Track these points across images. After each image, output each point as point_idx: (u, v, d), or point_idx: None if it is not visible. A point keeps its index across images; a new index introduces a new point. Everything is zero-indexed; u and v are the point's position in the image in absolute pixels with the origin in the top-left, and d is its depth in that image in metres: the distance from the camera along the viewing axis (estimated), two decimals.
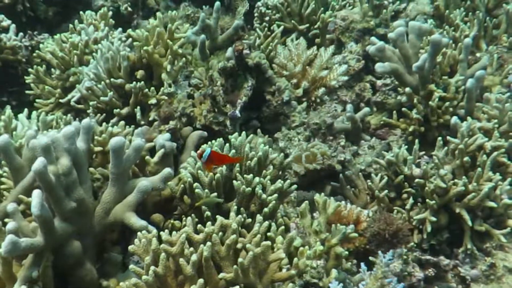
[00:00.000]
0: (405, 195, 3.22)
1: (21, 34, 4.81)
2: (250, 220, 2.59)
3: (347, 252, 2.59)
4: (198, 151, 2.63)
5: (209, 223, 2.27)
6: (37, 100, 4.09)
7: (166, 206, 2.88)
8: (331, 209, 2.74)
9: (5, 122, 3.11)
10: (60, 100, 3.97)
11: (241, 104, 3.30)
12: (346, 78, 3.79)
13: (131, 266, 2.16)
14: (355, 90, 4.18)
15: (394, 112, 3.71)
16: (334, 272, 2.46)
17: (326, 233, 2.62)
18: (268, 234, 2.46)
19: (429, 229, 2.99)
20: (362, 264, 2.30)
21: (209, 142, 2.92)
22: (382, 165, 3.31)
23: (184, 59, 3.53)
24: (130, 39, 3.97)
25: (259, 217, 2.34)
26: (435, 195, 2.99)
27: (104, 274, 2.61)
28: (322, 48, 3.76)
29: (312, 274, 2.42)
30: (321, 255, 2.51)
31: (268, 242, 2.15)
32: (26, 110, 3.69)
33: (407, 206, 3.11)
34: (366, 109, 3.92)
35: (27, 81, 4.20)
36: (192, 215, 2.63)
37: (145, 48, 3.43)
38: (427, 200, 3.01)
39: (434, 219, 2.97)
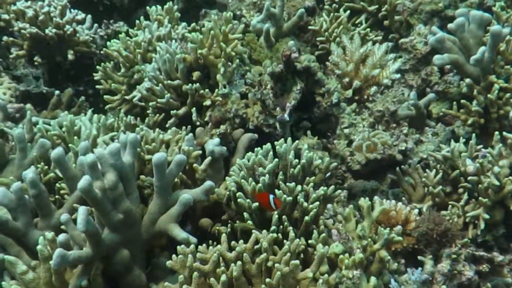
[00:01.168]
0: (461, 190, 3.20)
1: (96, 25, 5.01)
2: (291, 228, 2.63)
3: (389, 257, 2.58)
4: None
5: (241, 241, 2.32)
6: (105, 96, 4.24)
7: (215, 210, 2.96)
8: (376, 213, 2.73)
9: (67, 127, 3.25)
10: (126, 97, 4.09)
11: (290, 107, 3.31)
12: (398, 75, 3.71)
13: (166, 283, 2.24)
14: (421, 74, 4.09)
15: (454, 102, 3.64)
16: (373, 281, 2.47)
17: (368, 239, 2.62)
18: (310, 241, 2.51)
19: (482, 226, 2.99)
20: (392, 281, 2.30)
21: (256, 149, 2.95)
22: (439, 160, 3.25)
23: (237, 60, 3.55)
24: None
25: (291, 234, 2.38)
26: (490, 192, 2.95)
27: (153, 278, 2.72)
28: (376, 45, 3.69)
29: (347, 285, 2.44)
30: (361, 263, 2.52)
31: (297, 262, 2.20)
32: (89, 111, 3.84)
33: (462, 202, 3.10)
34: (432, 95, 3.86)
35: (95, 78, 4.35)
36: (237, 222, 2.73)
37: (199, 51, 3.48)
38: (480, 198, 2.99)
39: (487, 216, 2.96)
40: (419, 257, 2.87)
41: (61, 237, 2.38)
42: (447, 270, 2.81)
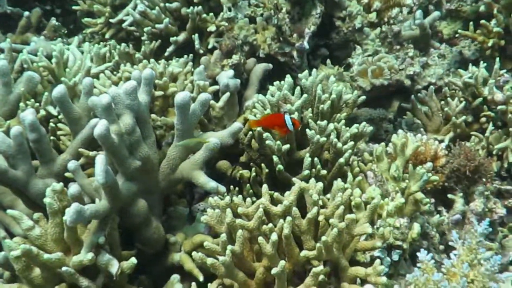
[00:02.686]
0: (483, 119, 3.05)
1: None
2: (325, 172, 2.45)
3: (428, 200, 2.43)
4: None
5: (287, 193, 2.12)
6: (85, 19, 3.89)
7: (231, 150, 2.74)
8: (409, 151, 2.57)
9: (57, 58, 2.94)
10: (111, 20, 3.76)
11: (309, 34, 3.07)
12: None
13: (206, 243, 2.04)
14: None
15: (471, 23, 3.43)
16: (417, 228, 2.32)
17: (406, 181, 2.45)
18: (345, 185, 2.32)
19: (510, 159, 2.90)
20: (454, 233, 2.14)
21: (277, 82, 2.71)
22: (458, 86, 3.09)
23: None
24: None
25: (340, 183, 2.19)
26: None
27: (170, 228, 2.56)
28: None
29: (395, 235, 2.28)
30: (402, 208, 2.35)
31: (353, 216, 2.01)
32: (76, 38, 3.52)
33: (487, 133, 2.96)
34: (436, 13, 3.63)
35: None
36: (263, 165, 2.52)
37: None
38: (510, 128, 2.88)
39: None
40: (449, 196, 2.72)
41: (73, 189, 2.11)
42: (481, 209, 2.69)
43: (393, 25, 3.32)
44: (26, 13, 4.17)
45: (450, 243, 2.34)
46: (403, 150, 2.54)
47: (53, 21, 4.28)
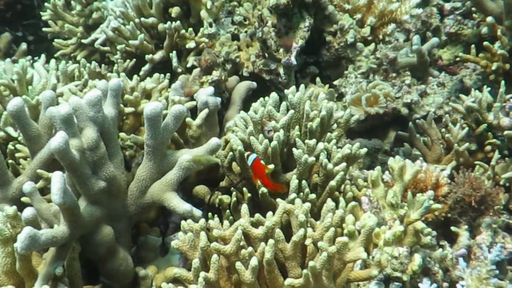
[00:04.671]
0: (488, 147, 2.93)
1: None
2: (313, 196, 2.29)
3: (429, 229, 2.26)
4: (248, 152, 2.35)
5: (269, 213, 1.96)
6: (55, 40, 3.79)
7: (211, 174, 2.63)
8: (408, 176, 2.41)
9: (18, 75, 2.80)
10: (83, 41, 3.66)
11: (297, 48, 2.95)
12: (420, 10, 3.40)
13: (176, 270, 1.87)
14: (421, 16, 3.79)
15: (472, 46, 3.34)
16: (418, 259, 2.15)
17: (404, 208, 2.29)
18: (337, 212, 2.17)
19: None
20: (461, 260, 1.98)
21: (261, 99, 2.58)
22: (461, 112, 2.97)
23: None
24: None
25: (330, 203, 2.03)
26: None
27: (140, 260, 2.43)
28: None
29: (393, 266, 2.11)
30: (401, 237, 2.19)
31: (345, 239, 1.85)
32: (43, 56, 3.41)
33: (492, 162, 2.81)
34: (434, 40, 3.58)
35: (43, 18, 3.92)
36: (244, 189, 2.37)
37: None
38: None
39: None
40: (453, 228, 2.56)
41: (28, 212, 1.97)
42: (489, 243, 2.53)
43: (388, 43, 3.22)
44: None
45: (457, 273, 2.19)
46: (401, 174, 2.40)
47: (24, 46, 4.20)
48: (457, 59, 3.53)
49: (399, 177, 2.39)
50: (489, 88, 2.97)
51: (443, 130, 3.04)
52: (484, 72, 3.32)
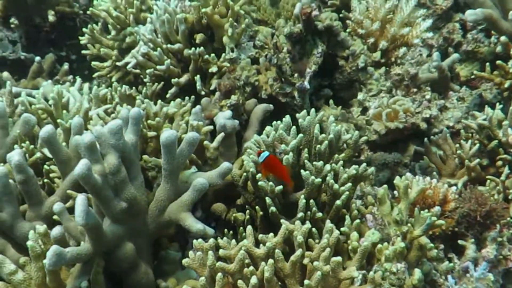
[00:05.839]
0: (499, 162, 2.97)
1: None
2: (320, 214, 2.39)
3: (432, 245, 2.34)
4: (258, 150, 2.48)
5: (271, 234, 2.07)
6: (93, 63, 3.95)
7: (228, 193, 2.73)
8: (414, 194, 2.48)
9: (54, 99, 2.96)
10: (117, 63, 3.80)
11: (310, 73, 3.03)
12: (431, 34, 3.45)
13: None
14: (443, 33, 3.84)
15: (487, 64, 3.41)
16: (418, 274, 2.23)
17: (408, 225, 2.37)
18: (342, 229, 2.27)
19: None
20: (450, 278, 2.06)
21: (274, 122, 2.68)
22: (473, 128, 3.03)
23: (247, 20, 3.25)
24: None
25: (328, 225, 2.13)
26: None
27: (161, 273, 2.50)
28: (403, 0, 3.40)
29: (391, 281, 2.19)
30: (402, 253, 2.27)
31: (339, 258, 1.96)
32: (78, 80, 3.56)
33: (502, 177, 2.85)
34: (455, 56, 3.61)
35: (81, 42, 4.06)
36: (257, 207, 2.48)
37: (203, 10, 3.19)
38: None
39: None
40: (460, 242, 2.63)
41: (55, 230, 2.11)
42: (493, 256, 2.58)
43: (401, 65, 3.28)
44: (38, 58, 4.25)
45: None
46: (406, 192, 2.47)
47: (66, 66, 4.35)
48: (472, 76, 3.55)
49: (404, 195, 2.45)
50: (501, 106, 3.02)
51: (458, 145, 3.09)
52: (499, 89, 3.37)
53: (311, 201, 2.40)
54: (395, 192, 2.67)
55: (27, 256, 2.15)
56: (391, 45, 3.33)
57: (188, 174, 2.43)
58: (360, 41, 3.26)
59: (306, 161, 2.46)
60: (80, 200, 1.96)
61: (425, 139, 3.17)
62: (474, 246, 2.62)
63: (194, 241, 2.13)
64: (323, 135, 2.55)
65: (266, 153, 2.38)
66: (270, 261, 1.91)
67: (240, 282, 1.89)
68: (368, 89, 3.25)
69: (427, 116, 3.22)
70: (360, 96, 3.29)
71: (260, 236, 2.10)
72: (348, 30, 3.38)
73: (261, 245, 2.09)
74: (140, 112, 2.32)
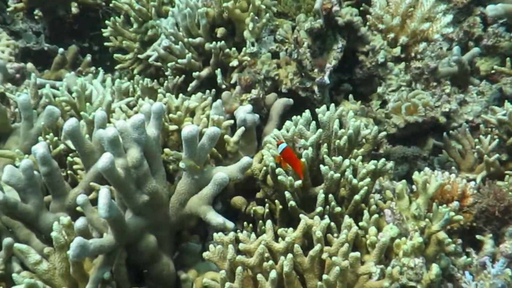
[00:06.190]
0: None
1: None
2: (339, 209, 2.39)
3: (449, 240, 2.34)
4: (278, 141, 2.49)
5: (290, 229, 2.09)
6: (115, 55, 3.97)
7: (248, 186, 2.74)
8: (432, 189, 2.48)
9: (78, 92, 2.99)
10: (139, 56, 3.82)
11: (330, 68, 3.03)
12: (451, 30, 3.43)
13: (205, 280, 2.02)
14: (463, 26, 3.80)
15: (508, 59, 3.40)
16: (435, 269, 2.23)
17: (426, 220, 2.37)
18: (360, 224, 2.28)
19: None
20: (467, 274, 2.06)
21: (294, 117, 2.69)
22: (493, 124, 3.01)
23: (268, 14, 3.26)
24: None
25: (347, 220, 2.14)
26: None
27: (182, 265, 2.53)
28: None
29: (409, 276, 2.20)
30: (420, 248, 2.28)
31: (357, 254, 1.97)
32: (101, 72, 3.59)
33: None
34: (476, 50, 3.60)
35: (104, 34, 4.09)
36: (277, 201, 2.49)
37: (224, 4, 3.20)
38: None
39: None
40: (478, 236, 2.63)
41: (79, 222, 2.15)
42: (511, 251, 2.57)
43: (421, 60, 3.27)
44: (61, 49, 4.29)
45: (463, 285, 2.26)
46: (425, 188, 2.47)
47: (88, 57, 4.39)
48: (493, 71, 3.54)
49: (423, 190, 2.45)
50: None
51: (477, 140, 3.08)
52: None
53: (330, 195, 2.41)
54: (414, 186, 2.68)
55: (50, 246, 2.19)
56: (411, 40, 3.32)
57: (209, 168, 2.44)
58: (380, 36, 3.25)
59: (325, 156, 2.47)
60: (104, 193, 1.99)
61: (444, 133, 3.16)
62: (492, 241, 2.62)
63: (215, 234, 2.16)
64: (343, 130, 2.55)
65: (284, 145, 2.40)
66: (289, 255, 1.93)
67: (259, 276, 1.91)
68: (387, 84, 3.24)
69: (447, 110, 3.21)
70: (380, 89, 3.28)
71: (280, 230, 2.12)
72: (367, 23, 3.36)
73: (280, 239, 2.11)
74: (162, 106, 2.34)
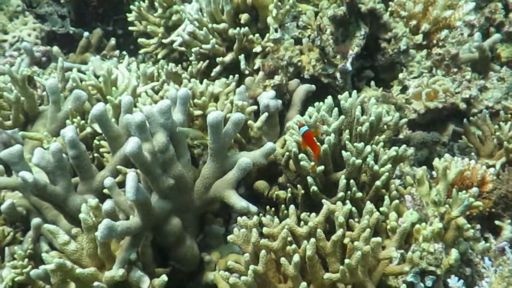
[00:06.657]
0: None
1: None
2: (360, 194, 2.42)
3: (468, 225, 2.36)
4: (300, 123, 2.51)
5: (313, 214, 2.12)
6: (139, 39, 4.00)
7: (271, 170, 2.77)
8: (452, 175, 2.49)
9: (104, 77, 3.03)
10: (163, 41, 3.84)
11: (352, 55, 3.03)
12: (473, 17, 3.41)
13: (230, 263, 2.05)
14: (485, 12, 3.77)
15: None
16: (454, 254, 2.25)
17: (446, 206, 2.39)
18: (381, 209, 2.31)
19: None
20: (486, 259, 2.08)
21: (317, 103, 2.71)
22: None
23: (291, 1, 3.26)
24: None
25: (368, 206, 2.16)
26: None
27: (206, 247, 2.58)
28: None
29: (429, 261, 2.23)
30: (440, 233, 2.30)
31: (379, 239, 2.00)
32: (126, 57, 3.62)
33: None
34: (497, 36, 3.55)
35: (129, 19, 4.11)
36: (299, 186, 2.52)
37: None
38: None
39: None
40: (497, 222, 2.65)
41: (107, 204, 2.18)
42: None
43: (442, 47, 3.26)
44: (86, 33, 4.33)
45: (482, 270, 2.28)
46: (445, 174, 2.48)
47: (113, 41, 4.42)
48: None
49: (443, 176, 2.47)
50: None
51: (497, 126, 3.07)
52: None
53: (351, 181, 2.44)
54: (434, 172, 2.69)
55: (77, 227, 2.24)
56: (433, 28, 3.30)
57: (233, 153, 2.47)
58: (402, 23, 3.24)
59: (347, 142, 2.49)
60: (131, 176, 2.03)
61: (464, 119, 3.15)
62: (511, 227, 2.63)
63: (239, 218, 2.19)
64: (364, 116, 2.57)
65: (305, 128, 2.43)
66: (312, 240, 1.96)
67: (283, 259, 1.94)
68: (409, 71, 3.24)
69: (467, 96, 3.19)
70: (401, 75, 3.28)
71: (302, 215, 2.15)
72: (390, 10, 3.35)
73: (302, 223, 2.14)
74: (187, 92, 2.37)
